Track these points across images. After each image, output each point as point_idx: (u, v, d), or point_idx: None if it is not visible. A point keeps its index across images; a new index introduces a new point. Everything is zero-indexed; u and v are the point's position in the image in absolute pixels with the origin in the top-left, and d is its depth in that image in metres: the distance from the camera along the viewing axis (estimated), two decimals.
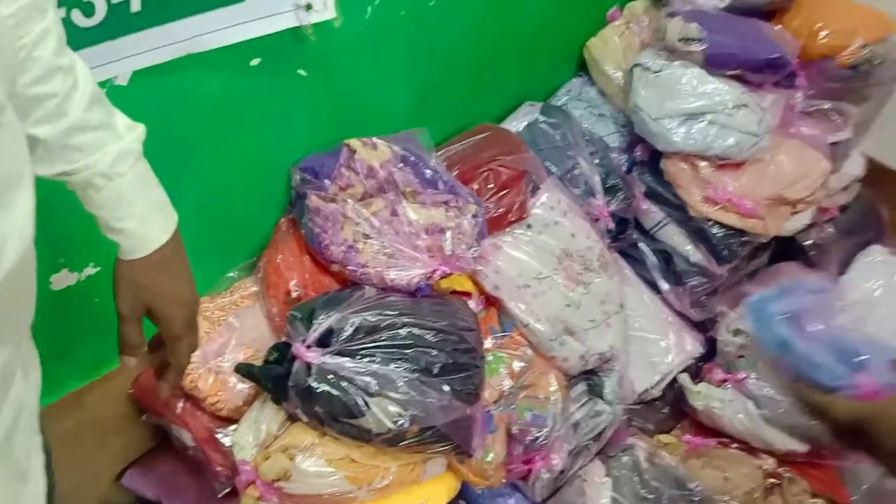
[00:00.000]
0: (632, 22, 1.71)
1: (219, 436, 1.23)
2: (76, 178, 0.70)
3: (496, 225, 1.39)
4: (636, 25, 1.70)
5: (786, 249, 1.82)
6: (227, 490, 1.23)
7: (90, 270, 1.10)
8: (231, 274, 1.33)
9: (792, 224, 1.59)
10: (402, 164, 1.27)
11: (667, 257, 1.64)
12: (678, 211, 1.60)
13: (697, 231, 1.59)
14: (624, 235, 1.60)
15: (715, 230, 1.57)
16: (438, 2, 1.31)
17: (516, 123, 1.61)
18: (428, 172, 1.28)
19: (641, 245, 1.65)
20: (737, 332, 1.68)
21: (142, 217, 0.75)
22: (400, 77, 1.36)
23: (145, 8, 0.95)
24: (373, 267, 1.22)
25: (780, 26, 1.61)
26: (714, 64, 1.52)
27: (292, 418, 1.16)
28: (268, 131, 1.22)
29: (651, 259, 1.65)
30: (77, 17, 0.90)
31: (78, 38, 0.89)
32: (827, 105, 1.66)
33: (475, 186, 1.37)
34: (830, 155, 1.67)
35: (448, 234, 1.26)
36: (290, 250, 1.28)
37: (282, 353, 1.15)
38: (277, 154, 1.27)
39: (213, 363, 1.21)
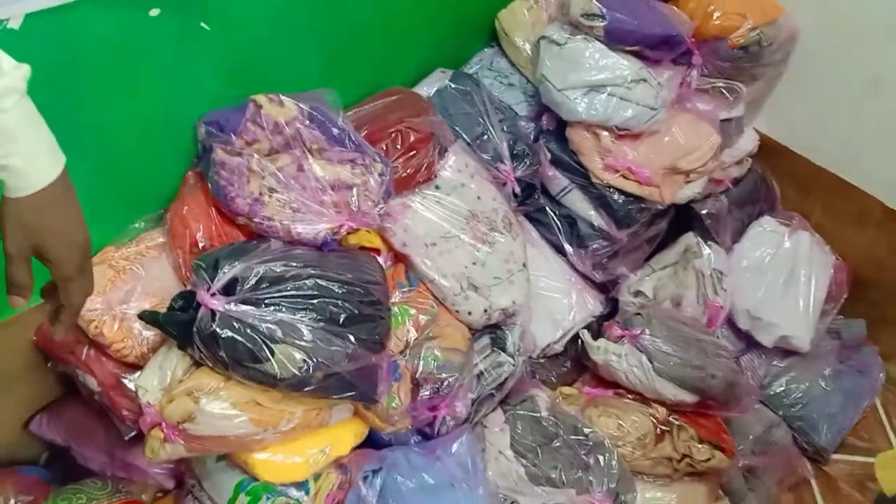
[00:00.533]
0: None
1: (125, 381, 1.25)
2: None
3: (405, 185, 1.45)
4: (545, 0, 1.78)
5: (684, 218, 1.95)
6: (133, 433, 1.25)
7: None
8: (137, 225, 1.35)
9: (685, 192, 1.69)
10: (308, 122, 1.30)
11: (571, 222, 1.72)
12: (582, 178, 1.69)
13: (599, 197, 1.68)
14: (531, 200, 1.68)
15: (615, 197, 1.66)
16: None
17: (427, 88, 1.66)
18: (335, 131, 1.32)
19: (548, 210, 1.73)
20: (637, 294, 1.79)
21: (27, 155, 0.76)
22: (307, 38, 1.39)
23: None
24: (279, 220, 1.26)
25: (676, 7, 1.71)
26: (614, 39, 1.60)
27: (197, 364, 1.19)
28: (170, 84, 1.23)
29: (556, 223, 1.73)
30: None
31: None
32: (720, 83, 1.77)
33: (383, 146, 1.42)
34: (721, 130, 1.79)
35: (354, 190, 1.30)
36: (196, 202, 1.31)
37: (187, 301, 1.17)
38: (182, 108, 1.29)
39: (117, 310, 1.23)
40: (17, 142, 0.75)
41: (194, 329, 1.13)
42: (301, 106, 1.31)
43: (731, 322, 1.94)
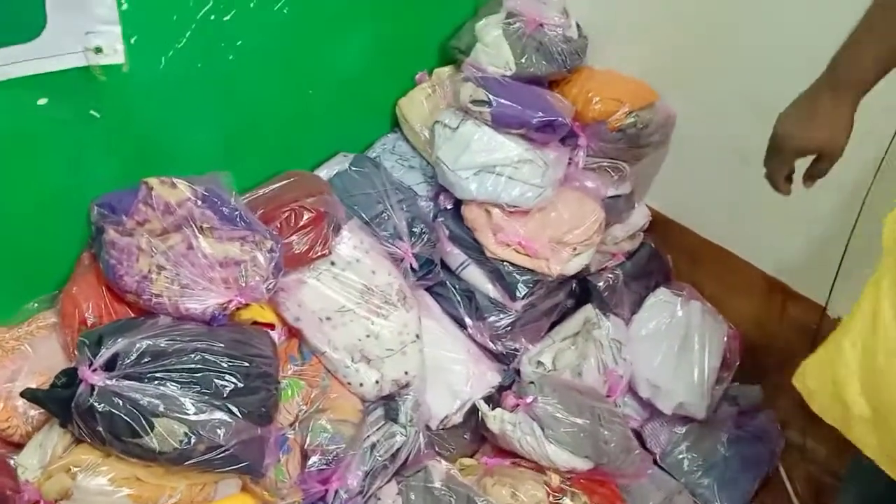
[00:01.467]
0: (437, 85, 1.91)
1: (10, 461, 1.25)
2: None
3: (300, 261, 1.51)
4: (440, 89, 1.90)
5: (585, 292, 2.04)
6: None
7: None
8: (31, 306, 1.37)
9: (573, 264, 1.78)
10: (201, 202, 1.36)
11: (470, 295, 1.80)
12: (477, 253, 1.77)
13: (494, 271, 1.76)
14: (431, 275, 1.75)
15: (508, 269, 1.74)
16: (238, 56, 1.43)
17: (327, 171, 1.75)
18: (226, 210, 1.37)
19: (448, 284, 1.80)
20: (538, 364, 1.85)
21: None
22: (203, 124, 1.47)
23: None
24: (167, 296, 1.30)
25: (558, 94, 1.85)
26: (500, 123, 1.71)
27: (78, 441, 1.20)
28: (63, 170, 1.29)
29: (456, 297, 1.80)
30: None
31: None
32: (605, 162, 1.89)
33: (277, 225, 1.48)
34: (610, 206, 1.90)
35: (243, 266, 1.35)
36: (87, 282, 1.34)
37: (70, 378, 1.19)
38: (76, 192, 1.34)
39: (2, 389, 1.24)
40: None
41: (73, 404, 1.15)
42: (194, 188, 1.37)
43: (634, 391, 2.01)
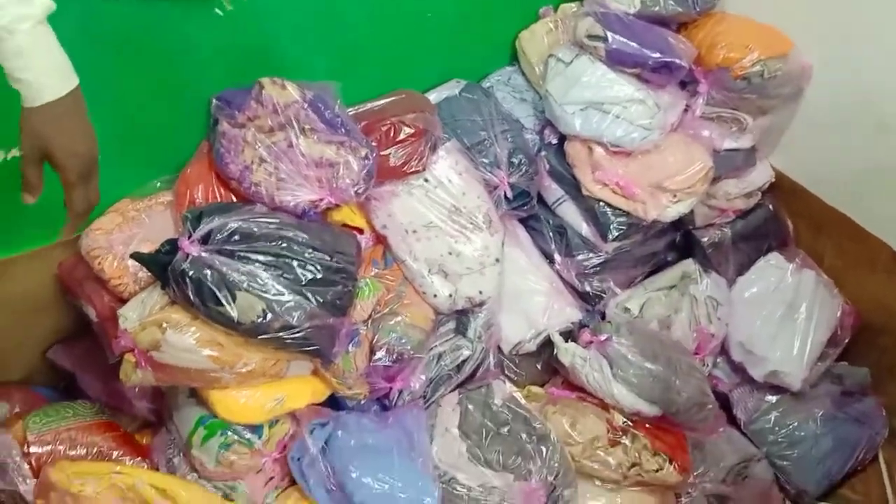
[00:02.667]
0: (561, 20, 1.89)
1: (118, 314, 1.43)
2: None
3: (395, 174, 1.58)
4: (563, 25, 1.88)
5: (688, 247, 1.98)
6: (118, 360, 1.42)
7: (17, 152, 1.31)
8: (154, 183, 1.53)
9: (671, 211, 1.73)
10: (307, 106, 1.46)
11: (562, 231, 1.80)
12: (574, 189, 1.77)
13: (588, 209, 1.75)
14: (525, 206, 1.76)
15: (603, 209, 1.73)
16: None
17: (437, 94, 1.79)
18: (329, 116, 1.46)
19: (541, 217, 1.82)
20: (625, 310, 1.84)
21: (39, 71, 0.93)
22: (320, 35, 1.55)
23: None
24: (265, 187, 1.42)
25: (684, 36, 1.78)
26: (615, 61, 1.69)
27: (173, 303, 1.35)
28: (187, 64, 1.42)
29: (548, 231, 1.81)
30: None
31: None
32: (726, 113, 1.81)
33: (377, 136, 1.55)
34: (726, 160, 1.84)
35: (336, 168, 1.44)
36: (201, 166, 1.48)
37: (172, 247, 1.34)
38: (198, 84, 1.46)
39: (118, 250, 1.41)
40: (30, 58, 0.91)
41: (170, 269, 1.29)
42: (303, 91, 1.47)
43: (728, 354, 1.95)
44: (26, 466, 1.37)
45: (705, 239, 1.92)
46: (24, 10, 0.89)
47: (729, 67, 1.73)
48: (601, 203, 1.73)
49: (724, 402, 1.92)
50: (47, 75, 0.94)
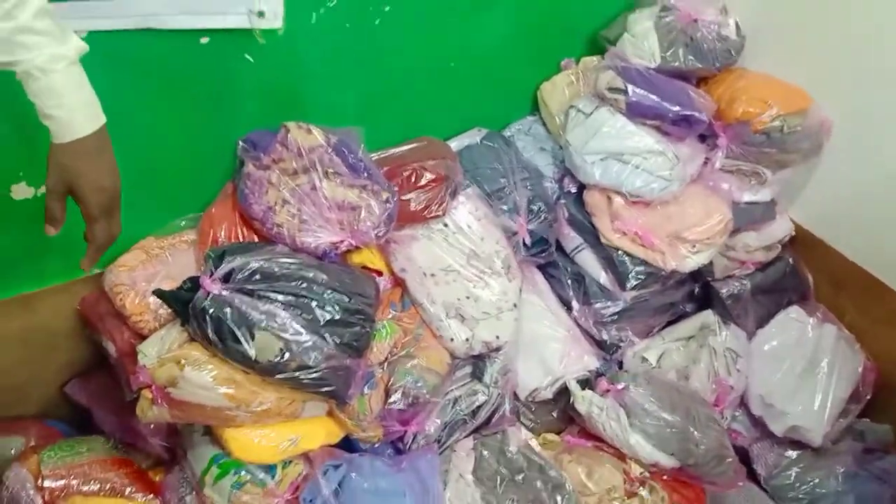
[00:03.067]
0: (582, 73, 1.93)
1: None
2: (18, 68, 0.93)
3: (415, 218, 1.60)
4: (584, 77, 1.92)
5: (707, 299, 1.97)
6: (135, 396, 1.43)
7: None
8: (178, 222, 1.56)
9: (690, 262, 1.73)
10: (331, 150, 1.49)
11: (580, 279, 1.81)
12: (593, 238, 1.78)
13: (607, 257, 1.76)
14: (544, 253, 1.78)
15: (622, 258, 1.74)
16: (384, 21, 1.55)
17: (459, 142, 1.82)
18: (352, 160, 1.49)
19: (560, 265, 1.83)
20: (643, 360, 1.82)
21: (69, 108, 0.97)
22: (344, 81, 1.59)
23: None
24: (287, 228, 1.44)
25: (704, 91, 1.80)
26: (635, 113, 1.71)
27: (192, 340, 1.37)
28: (215, 106, 1.46)
29: (567, 279, 1.82)
30: None
31: None
32: (745, 166, 1.82)
33: (398, 181, 1.58)
34: (746, 213, 1.85)
35: (357, 212, 1.46)
36: (225, 206, 1.51)
37: (194, 284, 1.36)
38: (225, 127, 1.50)
39: (140, 287, 1.43)
40: (62, 97, 0.95)
41: (190, 306, 1.31)
42: (328, 136, 1.50)
43: (747, 408, 1.92)
44: (40, 500, 1.37)
45: (724, 291, 1.91)
46: (60, 50, 0.94)
47: (748, 122, 1.75)
48: (620, 252, 1.74)
49: (744, 457, 1.88)
50: (77, 113, 0.98)
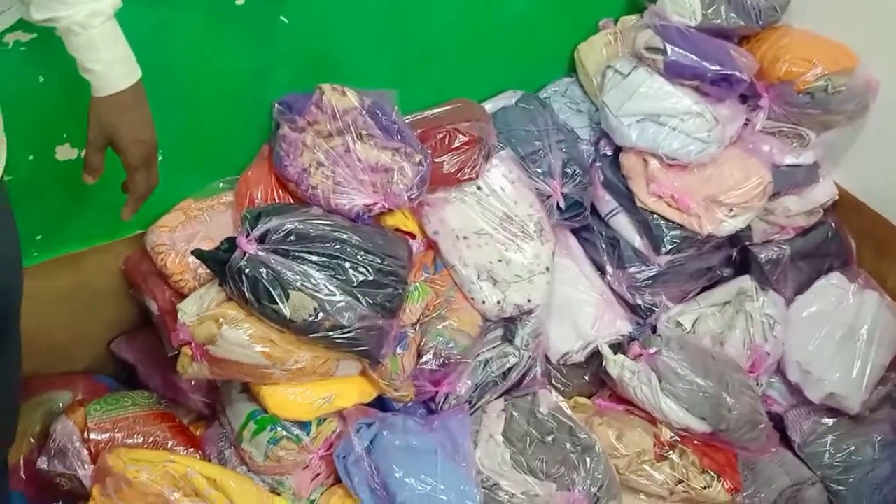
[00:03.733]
0: (620, 33, 1.89)
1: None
2: (59, 24, 0.96)
3: (448, 181, 1.60)
4: (623, 37, 1.88)
5: (745, 264, 1.94)
6: (175, 353, 1.47)
7: None
8: (217, 184, 1.58)
9: (727, 226, 1.70)
10: (365, 112, 1.49)
11: (615, 243, 1.79)
12: (628, 201, 1.76)
13: (642, 221, 1.74)
14: (578, 217, 1.77)
15: (657, 222, 1.72)
16: None
17: (493, 104, 1.81)
18: (386, 122, 1.49)
19: (594, 229, 1.81)
20: (677, 325, 1.81)
21: (107, 63, 1.00)
22: (379, 43, 1.58)
23: None
24: (321, 190, 1.45)
25: (746, 50, 1.75)
26: (673, 73, 1.68)
27: (229, 299, 1.40)
28: (252, 68, 1.47)
29: (601, 242, 1.81)
30: None
31: None
32: (787, 127, 1.78)
33: (431, 143, 1.58)
34: (787, 176, 1.80)
35: (390, 174, 1.47)
36: (261, 169, 1.53)
37: (231, 245, 1.38)
38: (261, 89, 1.51)
39: (180, 247, 1.47)
40: (100, 52, 0.99)
41: (227, 266, 1.34)
42: (362, 98, 1.51)
43: (783, 375, 1.90)
44: (85, 452, 1.43)
45: (763, 255, 1.88)
46: (97, 6, 0.97)
47: (792, 82, 1.71)
48: (655, 216, 1.72)
49: (779, 423, 1.87)
50: (115, 67, 1.02)
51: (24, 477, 1.49)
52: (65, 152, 1.35)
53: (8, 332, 1.11)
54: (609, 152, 1.82)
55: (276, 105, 1.53)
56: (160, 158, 1.40)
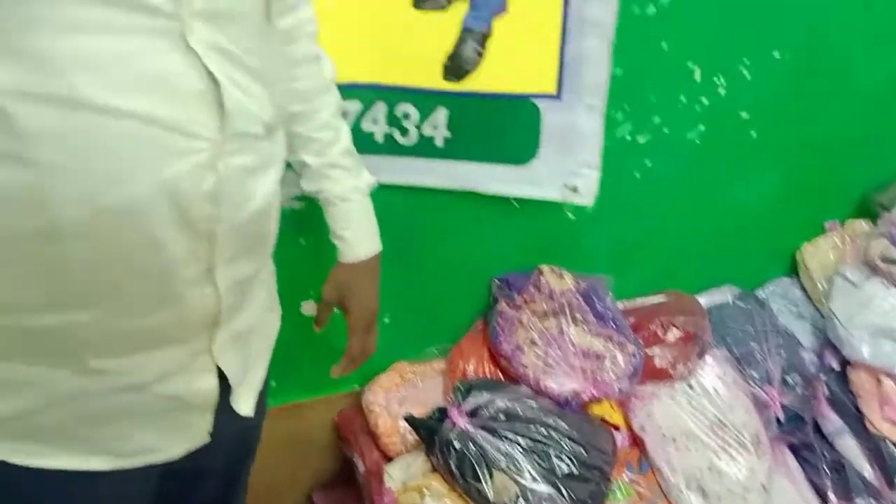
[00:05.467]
0: (848, 236, 1.82)
1: (384, 471, 1.50)
2: (321, 195, 1.09)
3: (659, 375, 1.56)
4: (851, 241, 1.80)
5: None
6: None
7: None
8: (431, 350, 1.65)
9: None
10: (580, 296, 1.52)
11: (839, 468, 1.63)
12: (858, 423, 1.61)
13: (873, 448, 1.58)
14: (799, 433, 1.64)
15: (891, 450, 1.55)
16: (644, 175, 1.60)
17: (708, 299, 1.77)
18: (600, 308, 1.51)
19: (816, 448, 1.66)
20: None
21: (357, 232, 1.11)
22: (599, 230, 1.64)
23: (447, 145, 1.39)
24: (532, 370, 1.47)
25: None
26: None
27: (434, 470, 1.41)
28: (481, 246, 1.57)
29: (822, 466, 1.65)
30: (396, 135, 1.36)
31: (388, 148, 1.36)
32: None
33: (644, 334, 1.56)
34: None
35: (602, 362, 1.46)
36: (475, 341, 1.58)
37: (442, 415, 1.42)
38: (485, 265, 1.60)
39: (393, 409, 1.52)
40: (352, 223, 1.11)
41: (437, 436, 1.36)
42: (578, 282, 1.54)
43: None
44: None
45: None
46: (356, 183, 1.10)
47: None
48: (889, 443, 1.55)
49: None
50: (362, 237, 1.13)
51: None
52: (308, 308, 1.48)
53: (240, 480, 1.18)
54: (835, 366, 1.70)
55: (496, 281, 1.60)
56: (386, 321, 1.50)
